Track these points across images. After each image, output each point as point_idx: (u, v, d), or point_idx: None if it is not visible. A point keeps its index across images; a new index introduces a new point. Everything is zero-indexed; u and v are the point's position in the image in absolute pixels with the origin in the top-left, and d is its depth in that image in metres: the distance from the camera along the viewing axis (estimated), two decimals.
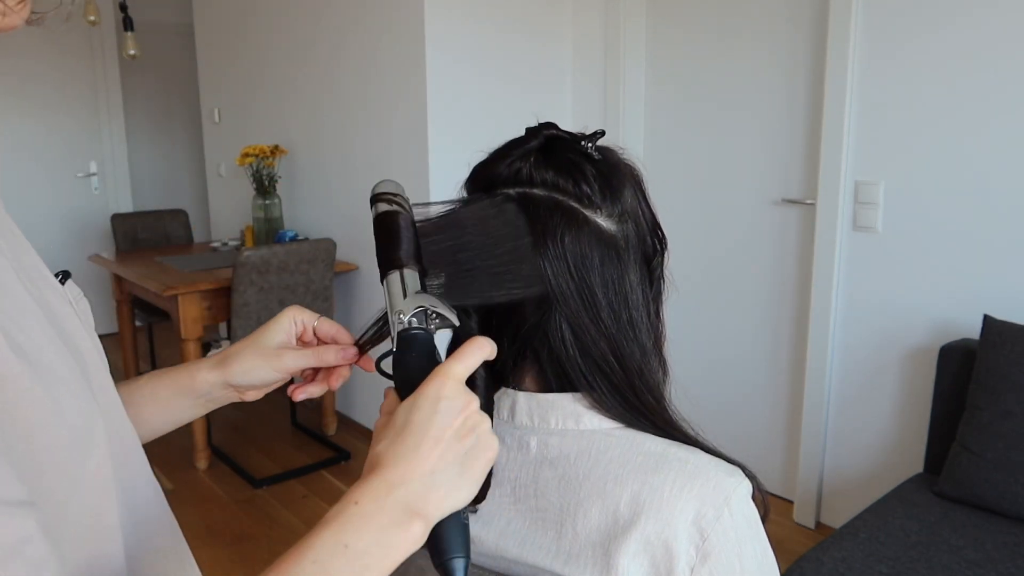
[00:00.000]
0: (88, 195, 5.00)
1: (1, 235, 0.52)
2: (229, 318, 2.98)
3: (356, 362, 0.74)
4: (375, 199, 0.73)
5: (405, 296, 0.63)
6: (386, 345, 0.66)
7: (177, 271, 3.22)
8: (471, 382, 0.71)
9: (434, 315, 0.63)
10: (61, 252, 4.73)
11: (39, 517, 0.40)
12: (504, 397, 0.75)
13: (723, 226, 2.84)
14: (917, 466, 2.25)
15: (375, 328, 0.72)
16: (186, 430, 3.29)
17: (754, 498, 0.68)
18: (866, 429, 2.46)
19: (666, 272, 0.77)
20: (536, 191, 0.71)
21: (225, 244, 3.95)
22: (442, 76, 2.86)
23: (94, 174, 5.01)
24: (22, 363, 0.45)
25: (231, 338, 2.98)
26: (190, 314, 2.97)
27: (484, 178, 0.74)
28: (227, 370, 0.75)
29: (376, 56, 3.06)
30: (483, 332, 0.71)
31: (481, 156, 0.75)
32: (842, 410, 2.51)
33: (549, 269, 0.68)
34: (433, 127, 2.86)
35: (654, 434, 0.71)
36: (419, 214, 0.73)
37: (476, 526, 0.72)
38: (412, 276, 0.65)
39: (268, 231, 3.52)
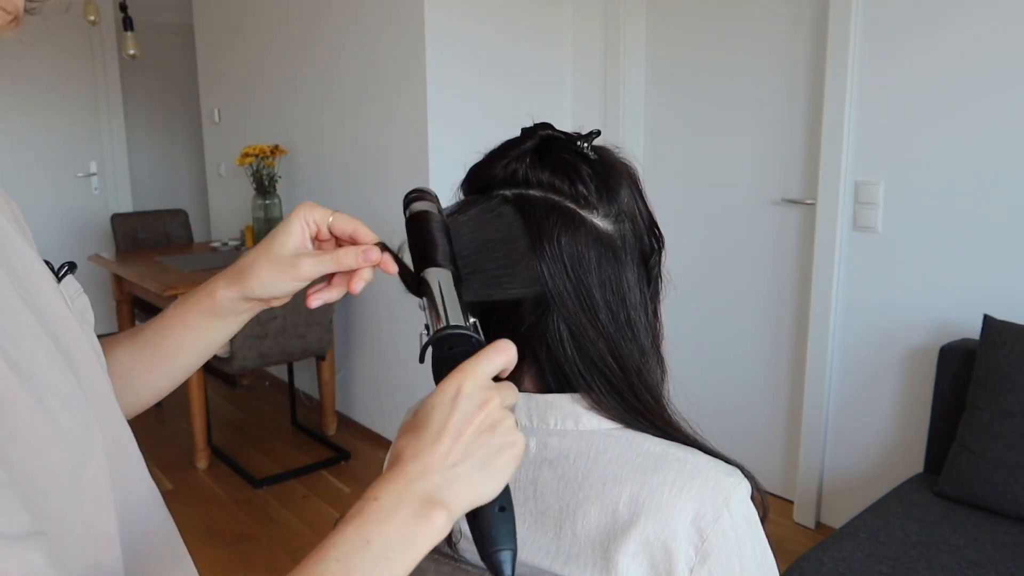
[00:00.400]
0: (88, 195, 5.00)
1: None
2: None
3: (378, 264, 0.70)
4: (416, 198, 0.71)
5: (443, 298, 0.64)
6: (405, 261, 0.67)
7: (177, 271, 3.22)
8: None
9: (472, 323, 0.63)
10: (61, 252, 4.73)
11: (45, 546, 0.39)
12: None
13: (723, 226, 2.84)
14: (917, 466, 2.25)
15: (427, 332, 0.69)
16: (186, 430, 3.29)
17: (753, 498, 0.68)
18: (866, 429, 2.45)
19: (664, 271, 0.77)
20: (532, 192, 0.71)
21: (225, 244, 3.95)
22: (442, 76, 2.86)
23: (94, 174, 5.01)
24: (19, 380, 0.45)
25: (231, 339, 2.98)
26: None
27: (480, 179, 0.74)
28: (244, 285, 0.71)
29: (376, 56, 3.06)
30: (479, 333, 0.71)
31: (477, 157, 0.75)
32: (842, 410, 2.51)
33: (546, 270, 0.68)
34: (433, 127, 2.86)
35: (653, 434, 0.71)
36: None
37: None
38: (449, 277, 0.66)
39: (268, 231, 3.50)
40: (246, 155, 3.51)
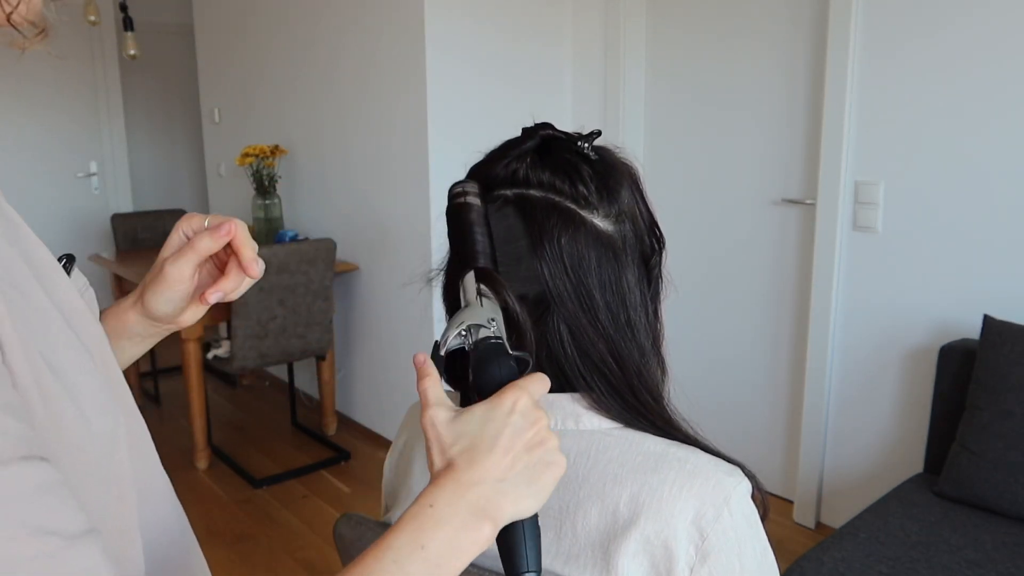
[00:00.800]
0: (88, 195, 5.00)
1: (11, 234, 0.51)
2: (229, 318, 2.98)
3: (232, 235, 0.69)
4: (460, 193, 0.71)
5: (482, 302, 0.64)
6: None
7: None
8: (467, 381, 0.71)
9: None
10: (61, 252, 4.70)
11: (101, 543, 0.40)
12: None
13: (723, 226, 2.84)
14: (917, 466, 2.25)
15: (459, 333, 0.68)
16: (186, 430, 3.29)
17: (753, 498, 0.68)
18: (866, 429, 2.45)
19: (664, 271, 0.77)
20: (533, 192, 0.71)
21: None
22: (442, 76, 2.86)
23: (94, 174, 5.01)
24: (59, 383, 0.45)
25: (231, 339, 2.98)
26: None
27: (481, 179, 0.74)
28: (144, 307, 0.72)
29: (376, 56, 3.06)
30: None
31: (478, 157, 0.75)
32: (842, 410, 2.51)
33: (546, 270, 0.68)
34: (433, 126, 2.86)
35: (653, 434, 0.71)
36: None
37: None
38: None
39: (268, 231, 3.52)
40: (246, 155, 3.51)
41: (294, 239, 3.42)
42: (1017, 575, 1.61)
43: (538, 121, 0.75)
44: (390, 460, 0.88)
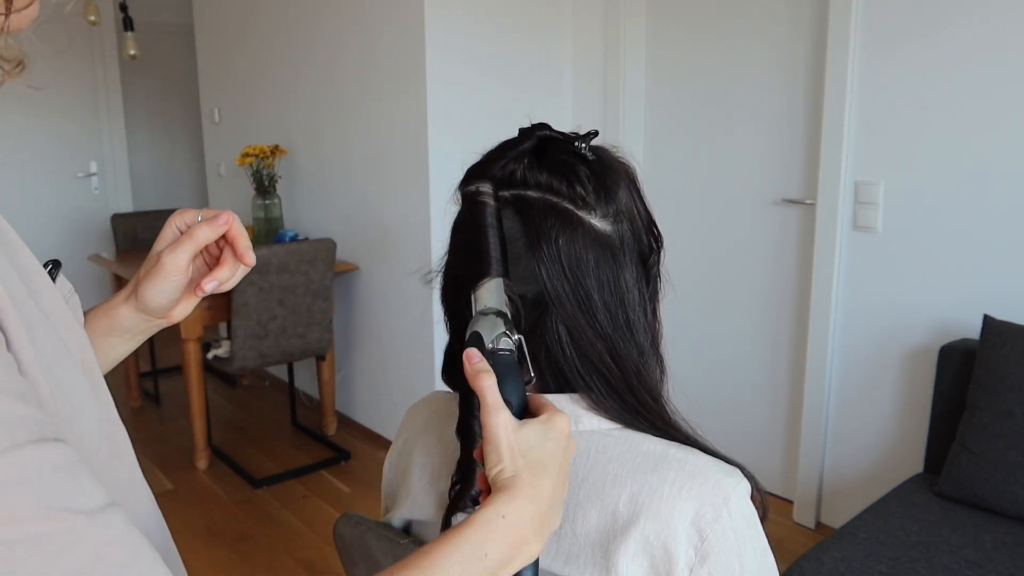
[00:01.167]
0: (88, 195, 5.00)
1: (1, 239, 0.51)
2: (229, 318, 2.98)
3: (228, 227, 0.71)
4: (476, 192, 0.71)
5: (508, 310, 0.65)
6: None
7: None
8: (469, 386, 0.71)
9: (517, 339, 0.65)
10: (61, 252, 4.73)
11: (122, 513, 0.41)
12: None
13: (723, 226, 2.84)
14: (917, 466, 2.25)
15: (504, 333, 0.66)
16: (186, 430, 3.29)
17: (753, 498, 0.68)
18: (866, 429, 2.45)
19: (663, 271, 0.76)
20: (530, 193, 0.70)
21: None
22: (442, 76, 2.86)
23: (94, 174, 5.01)
24: (52, 379, 0.45)
25: (231, 339, 2.98)
26: (190, 314, 2.96)
27: (478, 179, 0.74)
28: (138, 301, 0.73)
29: (376, 56, 3.06)
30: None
31: (476, 157, 0.75)
32: (842, 410, 2.51)
33: (544, 271, 0.68)
34: (433, 126, 2.86)
35: (653, 434, 0.71)
36: None
37: None
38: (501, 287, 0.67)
39: (268, 231, 3.52)
40: (246, 155, 3.51)
41: (294, 239, 3.42)
42: (1017, 575, 1.61)
43: (535, 121, 0.75)
44: (390, 460, 0.88)
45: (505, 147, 0.73)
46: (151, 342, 4.17)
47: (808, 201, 2.57)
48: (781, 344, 2.72)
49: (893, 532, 1.76)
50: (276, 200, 3.56)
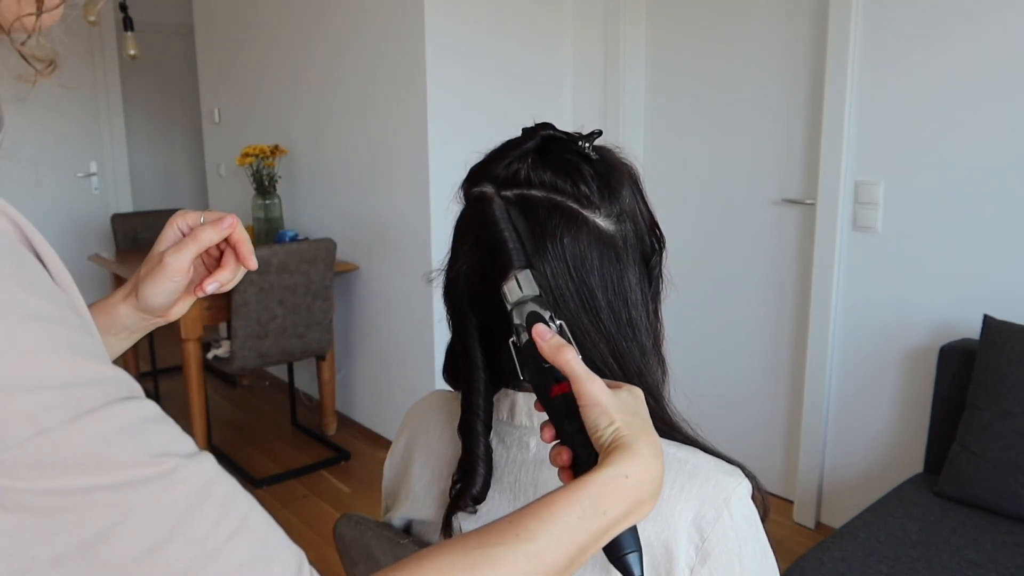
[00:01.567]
0: (88, 195, 5.00)
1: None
2: (229, 318, 2.98)
3: (233, 230, 0.73)
4: (479, 191, 0.72)
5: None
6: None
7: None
8: (474, 383, 0.71)
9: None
10: (61, 252, 4.67)
11: (213, 459, 0.44)
12: (504, 398, 0.75)
13: (723, 226, 2.84)
14: (917, 466, 2.25)
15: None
16: (186, 430, 3.29)
17: (754, 498, 0.68)
18: (866, 429, 2.45)
19: (665, 271, 0.77)
20: (534, 192, 0.70)
21: None
22: (442, 78, 2.86)
23: (94, 174, 5.01)
24: None
25: (231, 339, 2.98)
26: (190, 313, 2.96)
27: (481, 179, 0.74)
28: (136, 296, 0.74)
29: (376, 56, 3.06)
30: (482, 334, 0.71)
31: (478, 157, 0.75)
32: (842, 410, 2.51)
33: (548, 270, 0.68)
34: (433, 127, 2.86)
35: None
36: None
37: (476, 526, 0.72)
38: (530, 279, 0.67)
39: (268, 231, 3.51)
40: (246, 155, 3.51)
41: (294, 239, 3.41)
42: (1017, 575, 1.61)
43: (538, 122, 0.75)
44: (390, 461, 0.88)
45: (509, 146, 0.73)
46: (151, 342, 4.17)
47: (808, 201, 2.57)
48: (781, 344, 2.72)
49: (893, 532, 1.76)
50: (276, 200, 3.56)
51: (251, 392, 4.08)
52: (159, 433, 0.42)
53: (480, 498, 0.70)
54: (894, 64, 2.24)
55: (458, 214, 0.74)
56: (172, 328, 3.23)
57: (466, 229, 0.73)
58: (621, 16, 2.94)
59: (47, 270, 0.43)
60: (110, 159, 5.08)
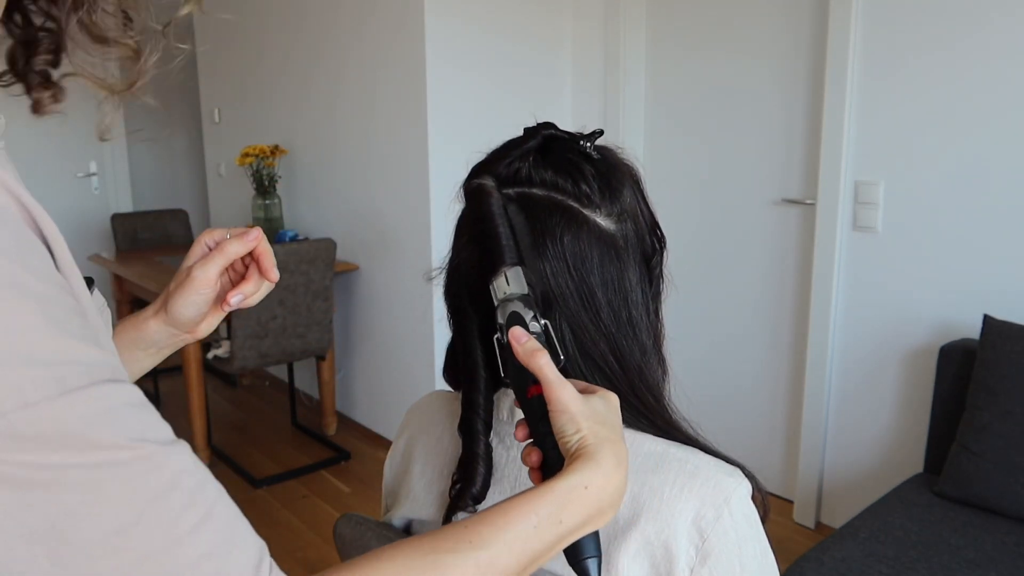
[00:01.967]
0: (88, 195, 5.00)
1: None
2: (229, 318, 2.98)
3: (258, 243, 0.76)
4: (479, 184, 0.72)
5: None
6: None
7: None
8: (475, 382, 0.71)
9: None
10: None
11: (189, 449, 0.44)
12: (504, 397, 0.75)
13: (723, 226, 2.84)
14: (917, 466, 2.25)
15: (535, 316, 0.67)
16: (186, 430, 3.29)
17: (754, 498, 0.68)
18: (866, 429, 2.45)
19: (665, 271, 0.77)
20: (535, 191, 0.70)
21: None
22: (442, 78, 2.86)
23: (94, 174, 5.01)
24: None
25: (231, 339, 2.98)
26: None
27: (482, 176, 0.74)
28: (166, 312, 0.77)
29: (377, 57, 3.06)
30: (483, 333, 0.71)
31: (479, 156, 0.75)
32: (842, 410, 2.51)
33: (548, 269, 0.68)
34: (433, 127, 2.86)
35: (653, 434, 0.71)
36: None
37: None
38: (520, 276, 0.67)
39: (268, 231, 3.52)
40: (246, 155, 3.51)
41: (294, 239, 3.42)
42: (1017, 575, 1.61)
43: (539, 121, 0.75)
44: (390, 461, 0.88)
45: (510, 145, 0.73)
46: None
47: (808, 201, 2.57)
48: (781, 344, 2.72)
49: (893, 532, 1.76)
50: (276, 200, 3.56)
51: (251, 392, 4.08)
52: (138, 418, 0.42)
53: (480, 497, 0.70)
54: (894, 64, 2.24)
55: (459, 212, 0.75)
56: None
57: (464, 225, 0.73)
58: (621, 16, 2.94)
59: (53, 255, 0.44)
60: (110, 159, 5.08)
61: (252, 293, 0.78)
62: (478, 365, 0.71)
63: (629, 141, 2.99)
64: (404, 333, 3.16)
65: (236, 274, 0.79)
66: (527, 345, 0.61)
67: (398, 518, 0.83)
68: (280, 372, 4.04)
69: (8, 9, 0.51)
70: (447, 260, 0.76)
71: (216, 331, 4.16)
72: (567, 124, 0.78)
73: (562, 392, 0.59)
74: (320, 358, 3.31)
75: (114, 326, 0.77)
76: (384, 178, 3.14)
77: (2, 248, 0.39)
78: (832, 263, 2.44)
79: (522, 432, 0.63)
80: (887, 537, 1.74)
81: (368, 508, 2.83)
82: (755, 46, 2.67)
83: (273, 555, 0.48)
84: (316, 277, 3.06)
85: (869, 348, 2.41)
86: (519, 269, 0.65)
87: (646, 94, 3.03)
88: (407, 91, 2.92)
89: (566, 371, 0.62)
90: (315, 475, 3.12)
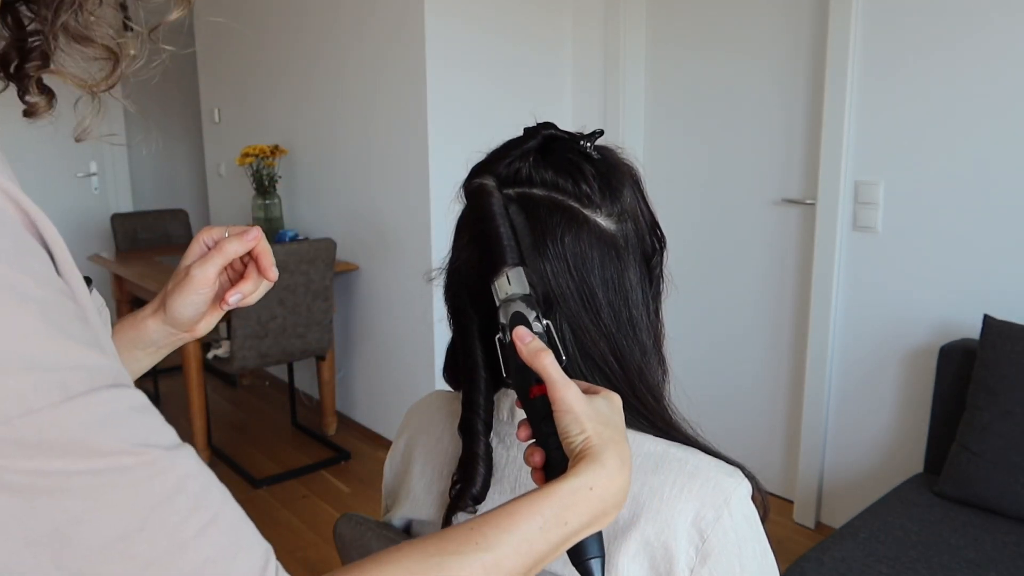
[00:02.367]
0: (88, 195, 5.00)
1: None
2: (229, 318, 2.97)
3: (257, 242, 0.75)
4: (480, 184, 0.72)
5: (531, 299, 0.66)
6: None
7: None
8: (475, 382, 0.71)
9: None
10: None
11: (194, 453, 0.44)
12: (504, 397, 0.75)
13: (723, 226, 2.84)
14: (917, 466, 2.25)
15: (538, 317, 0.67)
16: (186, 430, 3.29)
17: (754, 498, 0.68)
18: (866, 429, 2.45)
19: (665, 271, 0.77)
20: (535, 191, 0.70)
21: None
22: (442, 78, 2.86)
23: (94, 174, 5.01)
24: None
25: (231, 339, 2.98)
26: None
27: (483, 176, 0.74)
28: (164, 311, 0.76)
29: (377, 57, 3.06)
30: (483, 332, 0.71)
31: (479, 157, 0.75)
32: (842, 410, 2.51)
33: (549, 269, 0.68)
34: (433, 127, 2.86)
35: (653, 434, 0.71)
36: None
37: None
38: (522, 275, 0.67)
39: (268, 231, 3.51)
40: (246, 155, 3.51)
41: (294, 239, 3.42)
42: (1017, 575, 1.61)
43: (540, 121, 0.75)
44: (390, 461, 0.88)
45: (510, 145, 0.73)
46: None
47: (808, 201, 2.57)
48: (781, 344, 2.72)
49: (893, 532, 1.76)
50: (276, 200, 3.56)
51: (251, 392, 4.08)
52: (142, 423, 0.42)
53: (480, 498, 0.70)
54: (894, 64, 2.24)
55: (459, 213, 0.74)
56: None
57: (464, 225, 0.73)
58: (621, 16, 2.94)
59: (53, 259, 0.44)
60: (110, 159, 5.07)
61: (251, 292, 0.77)
62: (478, 365, 0.71)
63: (629, 141, 2.99)
64: (404, 333, 3.16)
65: (235, 272, 0.79)
66: (531, 345, 0.61)
67: (398, 518, 0.83)
68: (280, 372, 4.04)
69: (1, 10, 0.50)
70: (447, 260, 0.76)
71: (216, 331, 4.16)
72: (567, 124, 0.78)
73: (567, 392, 0.59)
74: (320, 358, 3.31)
75: (113, 326, 0.77)
76: (384, 178, 3.14)
77: (1, 252, 0.39)
78: (832, 263, 2.44)
79: (524, 432, 0.63)
80: (887, 537, 1.74)
81: (368, 508, 2.83)
82: (755, 46, 2.67)
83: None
84: (316, 277, 3.06)
85: (869, 348, 2.41)
86: (521, 269, 0.65)
87: (646, 94, 3.03)
88: (407, 91, 2.92)
89: (567, 371, 0.62)
90: (315, 475, 3.12)
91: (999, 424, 1.84)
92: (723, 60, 2.76)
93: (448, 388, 0.84)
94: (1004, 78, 2.04)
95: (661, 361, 0.76)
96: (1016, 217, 2.06)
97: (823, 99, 2.42)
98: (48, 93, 0.52)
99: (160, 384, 4.04)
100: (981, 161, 2.10)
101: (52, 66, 0.53)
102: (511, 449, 0.74)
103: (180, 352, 3.04)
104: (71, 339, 0.40)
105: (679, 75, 2.92)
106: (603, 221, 0.70)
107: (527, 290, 0.64)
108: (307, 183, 3.65)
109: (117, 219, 4.19)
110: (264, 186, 3.52)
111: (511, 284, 0.65)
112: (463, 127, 2.92)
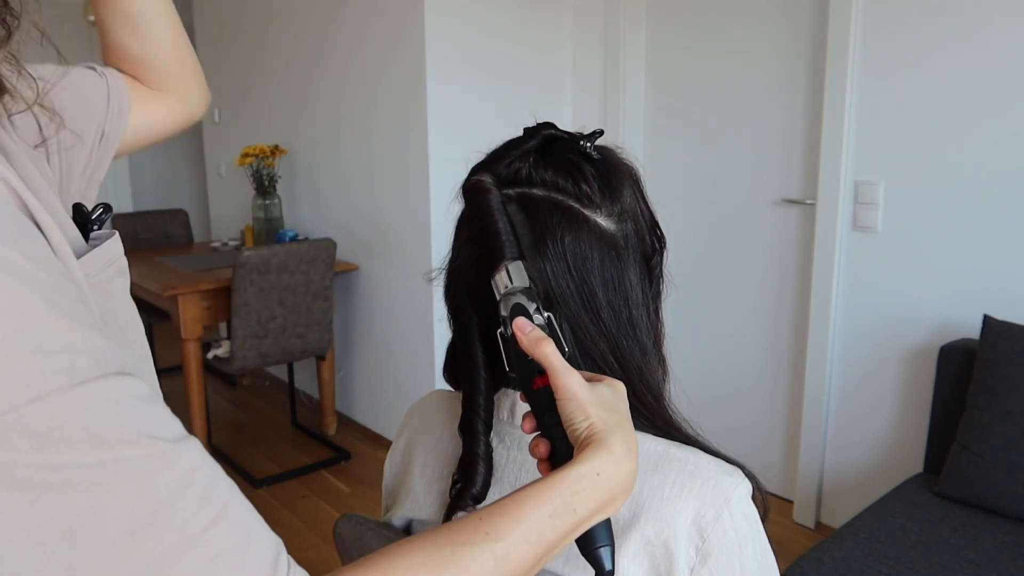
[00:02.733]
0: None
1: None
2: (229, 318, 2.98)
3: None
4: (478, 181, 0.71)
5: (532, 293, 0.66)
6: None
7: (177, 271, 3.22)
8: (475, 382, 0.71)
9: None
10: None
11: (200, 445, 0.44)
12: (504, 397, 0.75)
13: (723, 226, 2.84)
14: (917, 466, 2.25)
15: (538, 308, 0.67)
16: (186, 430, 3.30)
17: (754, 498, 0.68)
18: (866, 429, 2.45)
19: (665, 271, 0.77)
20: (535, 191, 0.70)
21: (225, 244, 3.95)
22: (442, 78, 2.86)
23: None
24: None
25: (231, 339, 2.98)
26: (190, 314, 2.97)
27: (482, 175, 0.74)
28: None
29: (377, 57, 3.06)
30: (483, 332, 0.71)
31: (479, 157, 0.75)
32: (842, 410, 2.51)
33: (549, 269, 0.68)
34: (433, 127, 2.86)
35: (654, 434, 0.71)
36: None
37: None
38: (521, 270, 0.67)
39: (268, 231, 3.52)
40: (246, 155, 3.51)
41: (294, 239, 3.42)
42: (1017, 575, 1.61)
43: (540, 121, 0.75)
44: (390, 461, 0.88)
45: (510, 145, 0.73)
46: (151, 341, 4.17)
47: (808, 201, 2.57)
48: (781, 344, 2.72)
49: (893, 532, 1.76)
50: (276, 200, 3.56)
51: (251, 392, 4.08)
52: (149, 413, 0.41)
53: (480, 498, 0.70)
54: (894, 64, 2.24)
55: (458, 213, 0.75)
56: (172, 328, 3.22)
57: (463, 224, 0.73)
58: (621, 17, 2.94)
59: (48, 241, 0.43)
60: None
61: None
62: (478, 365, 0.71)
63: (629, 141, 2.99)
64: (404, 333, 3.16)
65: None
66: (531, 334, 0.61)
67: (398, 518, 0.83)
68: (280, 372, 4.04)
69: None
70: (447, 260, 0.76)
71: (216, 331, 4.16)
72: (567, 124, 0.78)
73: (569, 379, 0.59)
74: (320, 358, 3.31)
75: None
76: (384, 178, 3.14)
77: (3, 236, 0.38)
78: (832, 263, 2.44)
79: (529, 424, 0.62)
80: (887, 537, 1.74)
81: (368, 508, 2.83)
82: (755, 46, 2.67)
83: None
84: (316, 277, 3.06)
85: (869, 348, 2.41)
86: (520, 263, 0.65)
87: (646, 94, 3.03)
88: (407, 91, 2.92)
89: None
90: (315, 475, 3.12)
91: (999, 424, 1.84)
92: (723, 60, 2.76)
93: (448, 388, 0.84)
94: (1004, 78, 2.04)
95: (661, 361, 0.76)
96: (1016, 217, 2.06)
97: (823, 99, 2.42)
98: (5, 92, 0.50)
99: (160, 384, 4.04)
100: (981, 161, 2.10)
101: None
102: (511, 449, 0.74)
103: (180, 352, 3.04)
104: (75, 321, 0.39)
105: (679, 75, 2.92)
106: (603, 221, 0.71)
107: (527, 283, 0.64)
108: (307, 183, 3.65)
109: (117, 219, 4.19)
110: (264, 186, 3.52)
111: (511, 278, 0.64)
112: (463, 127, 2.92)
